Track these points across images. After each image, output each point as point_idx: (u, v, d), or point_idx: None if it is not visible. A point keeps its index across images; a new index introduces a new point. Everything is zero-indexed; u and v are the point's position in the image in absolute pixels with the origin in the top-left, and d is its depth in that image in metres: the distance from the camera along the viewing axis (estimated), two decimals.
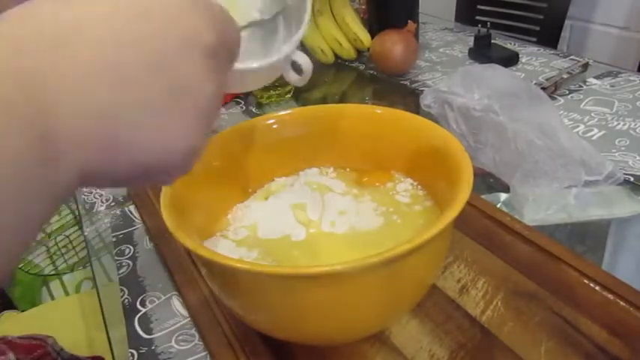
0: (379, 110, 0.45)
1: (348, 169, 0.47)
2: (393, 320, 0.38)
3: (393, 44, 0.88)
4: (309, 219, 0.39)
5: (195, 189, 0.38)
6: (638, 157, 0.59)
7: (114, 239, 0.57)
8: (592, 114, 0.70)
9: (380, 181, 0.44)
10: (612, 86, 0.77)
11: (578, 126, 0.67)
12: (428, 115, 0.65)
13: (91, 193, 0.66)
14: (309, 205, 0.40)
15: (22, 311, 0.94)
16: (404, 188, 0.43)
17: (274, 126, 0.46)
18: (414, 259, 0.29)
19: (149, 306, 0.46)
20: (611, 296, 0.39)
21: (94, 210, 0.63)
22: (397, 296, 0.33)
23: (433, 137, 0.40)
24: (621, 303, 0.38)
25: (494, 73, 0.64)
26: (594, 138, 0.64)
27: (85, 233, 0.59)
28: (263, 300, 0.31)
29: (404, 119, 0.44)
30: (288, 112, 0.46)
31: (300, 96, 0.89)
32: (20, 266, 1.08)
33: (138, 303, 0.47)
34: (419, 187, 0.43)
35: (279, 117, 0.46)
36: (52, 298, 1.02)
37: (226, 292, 0.34)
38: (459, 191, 0.32)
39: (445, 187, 0.36)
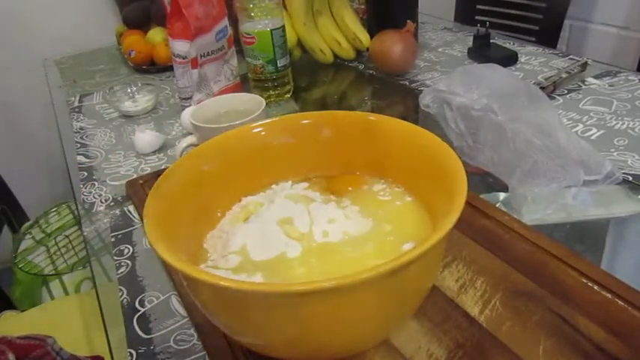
0: (341, 115, 0.44)
1: (314, 178, 0.45)
2: (396, 328, 0.38)
3: (393, 44, 0.88)
4: (300, 232, 0.38)
5: (166, 227, 0.34)
6: (636, 157, 0.59)
7: (113, 239, 0.57)
8: (591, 113, 0.70)
9: (352, 185, 0.44)
10: (611, 86, 0.77)
11: (576, 125, 0.67)
12: (427, 115, 0.65)
13: (91, 193, 0.66)
14: (296, 218, 0.39)
15: (22, 311, 0.94)
16: (380, 188, 0.43)
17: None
18: (414, 268, 0.29)
19: (148, 306, 0.46)
20: (609, 295, 0.39)
21: (94, 210, 0.63)
22: (399, 305, 0.32)
23: (414, 139, 0.40)
24: (620, 302, 0.38)
25: (493, 72, 0.64)
26: (593, 137, 0.64)
27: (85, 233, 0.59)
28: (266, 319, 0.30)
29: (364, 121, 0.44)
30: (239, 129, 0.44)
31: (300, 96, 0.89)
32: (20, 266, 1.08)
33: (137, 303, 0.47)
34: (393, 184, 0.43)
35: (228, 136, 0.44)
36: (52, 298, 1.02)
37: (230, 317, 0.32)
38: (455, 196, 0.31)
39: (430, 185, 0.36)
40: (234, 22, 0.84)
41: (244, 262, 0.37)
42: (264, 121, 0.45)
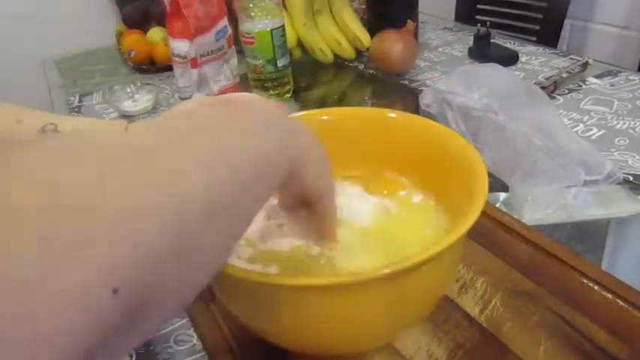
0: (369, 110, 0.44)
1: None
2: (401, 332, 0.37)
3: (393, 44, 0.88)
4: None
5: None
6: (637, 157, 0.59)
7: None
8: (591, 113, 0.70)
9: (388, 190, 0.41)
10: (612, 85, 0.77)
11: (577, 125, 0.67)
12: (427, 115, 0.65)
13: None
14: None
15: None
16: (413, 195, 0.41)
17: None
18: (425, 271, 0.28)
19: None
20: (610, 296, 0.39)
21: None
22: (407, 308, 0.32)
23: (436, 138, 0.40)
24: (620, 302, 0.38)
25: (493, 72, 0.64)
26: (594, 137, 0.64)
27: None
28: (272, 310, 0.30)
29: (402, 120, 0.43)
30: None
31: (300, 96, 0.89)
32: None
33: None
34: (410, 183, 0.42)
35: None
36: None
37: (236, 303, 0.33)
38: (474, 202, 0.30)
39: (455, 190, 0.35)
40: (234, 22, 0.84)
41: (260, 252, 0.36)
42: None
